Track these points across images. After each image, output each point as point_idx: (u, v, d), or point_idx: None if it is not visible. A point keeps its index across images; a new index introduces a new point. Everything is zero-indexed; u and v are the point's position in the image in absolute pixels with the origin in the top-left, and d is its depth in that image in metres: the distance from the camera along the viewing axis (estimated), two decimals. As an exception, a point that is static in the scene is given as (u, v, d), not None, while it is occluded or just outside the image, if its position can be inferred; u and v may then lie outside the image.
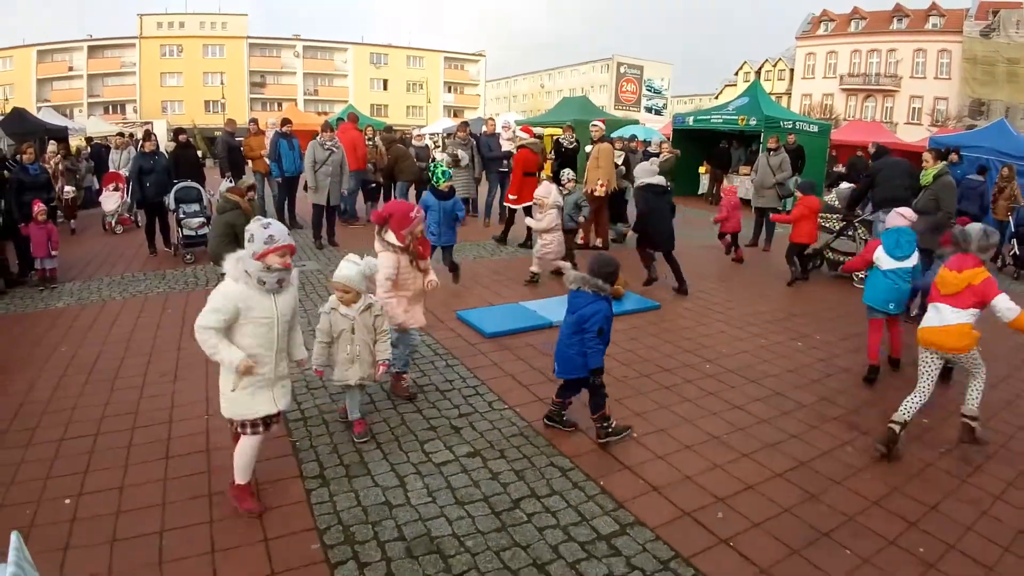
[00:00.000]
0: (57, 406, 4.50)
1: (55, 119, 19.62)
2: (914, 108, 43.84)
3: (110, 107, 56.06)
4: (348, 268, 3.87)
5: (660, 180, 7.53)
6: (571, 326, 3.91)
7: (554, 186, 8.02)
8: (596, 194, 9.38)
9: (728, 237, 9.89)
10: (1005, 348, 6.17)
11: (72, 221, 11.80)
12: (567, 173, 8.58)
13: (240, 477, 3.26)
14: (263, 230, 3.07)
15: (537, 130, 24.26)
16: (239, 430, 3.24)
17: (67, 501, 3.35)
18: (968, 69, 40.16)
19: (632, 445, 4.01)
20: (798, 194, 8.77)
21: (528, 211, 8.76)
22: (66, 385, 4.86)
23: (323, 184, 9.61)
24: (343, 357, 3.88)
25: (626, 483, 3.56)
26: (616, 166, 10.57)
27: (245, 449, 3.24)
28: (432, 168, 7.29)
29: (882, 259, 5.27)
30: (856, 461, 3.91)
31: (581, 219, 8.38)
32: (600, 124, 10.86)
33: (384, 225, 4.39)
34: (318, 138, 9.79)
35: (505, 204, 10.91)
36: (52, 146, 12.53)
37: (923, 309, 6.60)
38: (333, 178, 9.70)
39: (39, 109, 19.59)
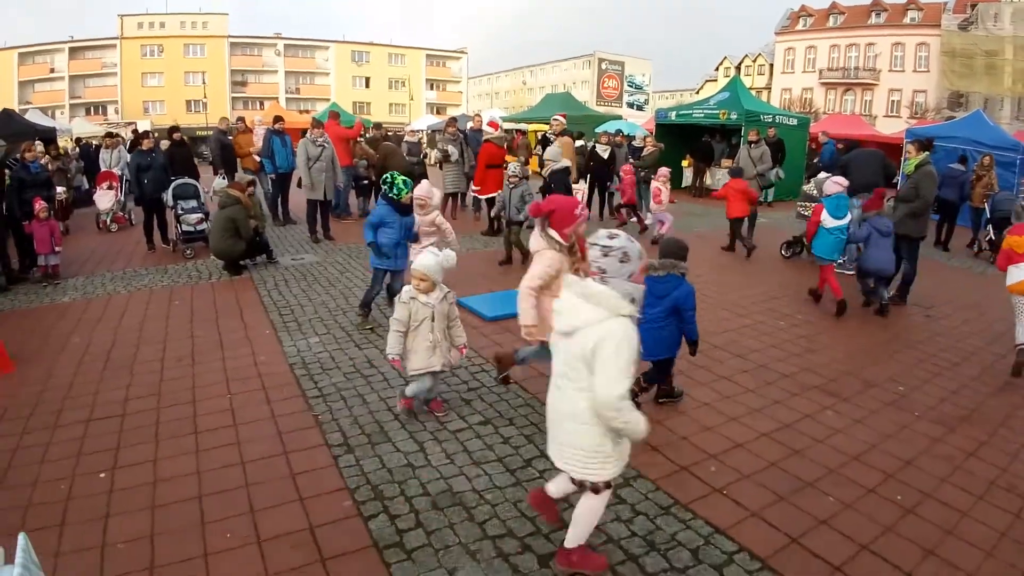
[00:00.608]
0: (79, 391, 4.71)
1: (43, 120, 19.63)
2: (893, 101, 44.60)
3: (92, 108, 55.59)
4: (428, 258, 3.96)
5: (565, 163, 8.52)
6: (664, 311, 4.13)
7: (436, 189, 6.76)
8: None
9: (624, 211, 11.85)
10: (982, 325, 6.64)
11: (65, 222, 11.54)
12: (512, 167, 8.58)
13: (580, 540, 2.76)
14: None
15: (522, 126, 24.67)
16: (597, 488, 2.65)
17: (102, 475, 3.58)
18: (947, 62, 40.88)
19: (630, 413, 4.32)
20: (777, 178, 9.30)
21: (491, 202, 10.07)
22: (85, 372, 5.07)
23: (317, 180, 9.83)
24: (424, 345, 3.96)
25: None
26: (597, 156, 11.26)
27: (597, 508, 2.72)
28: (389, 178, 5.91)
29: (827, 220, 6.89)
30: (836, 423, 4.25)
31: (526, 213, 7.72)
32: (560, 118, 11.59)
33: (545, 220, 3.98)
34: (309, 135, 9.99)
35: (473, 194, 11.80)
36: (40, 146, 12.56)
37: (901, 293, 7.14)
38: (327, 174, 9.93)
39: (24, 111, 19.49)
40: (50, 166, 12.14)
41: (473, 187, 10.91)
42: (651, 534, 3.03)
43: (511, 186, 8.43)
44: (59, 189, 11.35)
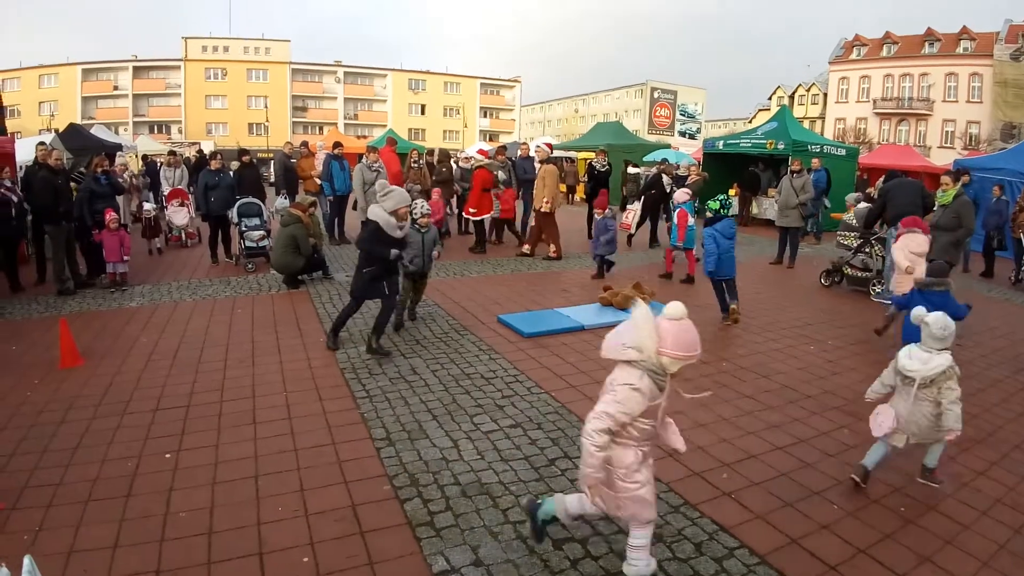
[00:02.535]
0: (147, 383, 5.22)
1: (108, 136, 20.46)
2: (947, 131, 43.83)
3: (155, 127, 58.38)
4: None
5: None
6: None
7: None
8: (543, 210, 10.75)
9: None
10: (1012, 355, 6.67)
11: (156, 240, 11.47)
12: (420, 206, 6.71)
13: None
14: None
15: (571, 153, 25.13)
16: None
17: (167, 455, 4.02)
18: (999, 92, 40.08)
19: (652, 423, 4.59)
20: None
21: (480, 224, 11.18)
22: (152, 368, 5.58)
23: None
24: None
25: (646, 451, 4.15)
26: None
27: None
28: None
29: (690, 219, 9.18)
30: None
31: (436, 254, 6.84)
32: (545, 147, 12.18)
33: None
34: (364, 160, 10.56)
35: (465, 216, 12.57)
36: (122, 159, 13.17)
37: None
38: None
39: (89, 126, 20.39)
40: (133, 180, 12.84)
41: (470, 209, 11.55)
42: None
43: (423, 230, 6.70)
44: (148, 206, 11.73)
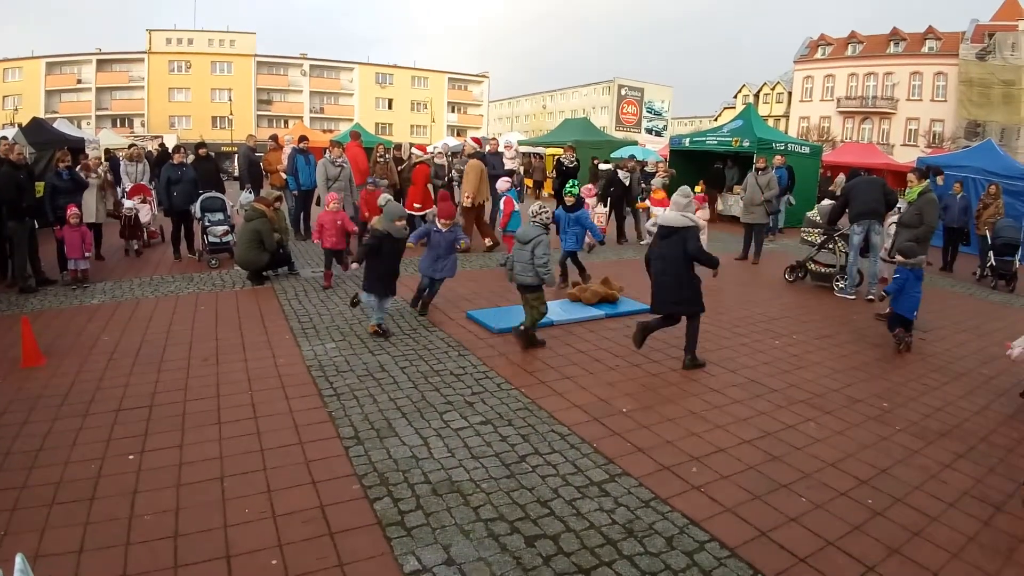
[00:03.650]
0: (109, 383, 5.08)
1: (71, 130, 20.01)
2: (910, 130, 44.80)
3: (118, 120, 56.97)
4: None
5: None
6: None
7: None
8: (464, 205, 10.93)
9: None
10: (976, 348, 6.89)
11: (136, 242, 10.74)
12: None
13: None
14: None
15: (539, 149, 25.15)
16: None
17: (131, 457, 3.91)
18: (964, 91, 41.05)
19: (621, 418, 4.61)
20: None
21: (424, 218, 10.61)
22: (114, 367, 5.43)
23: None
24: None
25: (615, 446, 4.17)
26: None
27: None
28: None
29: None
30: (816, 434, 4.50)
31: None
32: (472, 143, 12.22)
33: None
34: (328, 155, 10.38)
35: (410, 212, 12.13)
36: (96, 152, 12.37)
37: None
38: (345, 192, 10.31)
39: (52, 120, 19.82)
40: (107, 175, 11.43)
41: (415, 204, 11.41)
42: (630, 523, 3.31)
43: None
44: (128, 204, 10.81)
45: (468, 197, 10.89)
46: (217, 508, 3.36)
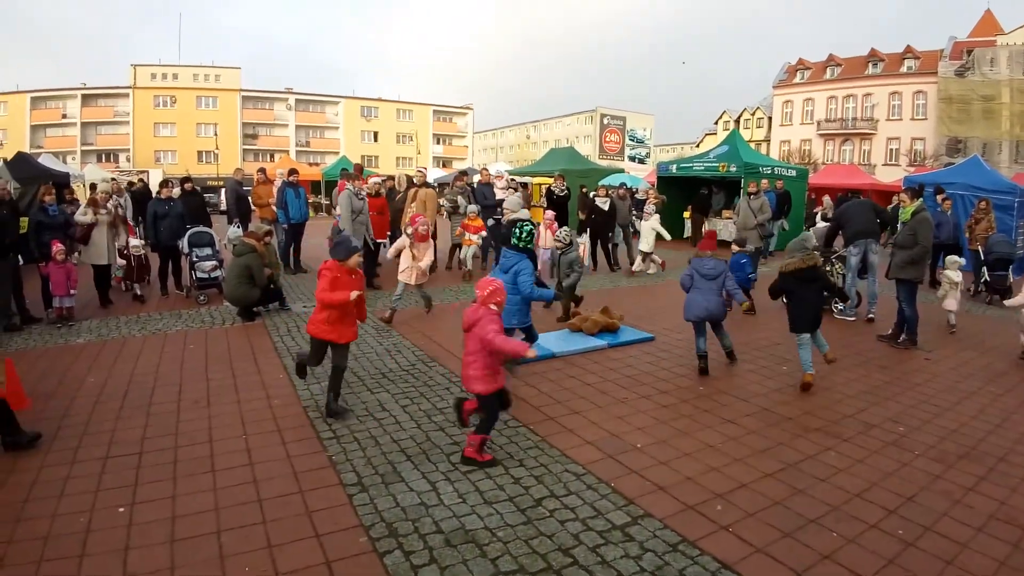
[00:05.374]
0: (96, 428, 4.82)
1: (56, 165, 19.82)
2: (891, 149, 45.34)
3: (103, 155, 56.77)
4: None
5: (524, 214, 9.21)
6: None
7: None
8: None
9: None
10: (982, 365, 6.80)
11: (138, 286, 9.83)
12: (561, 233, 8.66)
13: None
14: None
15: (526, 179, 25.20)
16: None
17: (121, 509, 3.66)
18: (944, 108, 41.61)
19: (636, 454, 4.42)
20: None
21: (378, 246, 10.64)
22: (101, 411, 5.17)
23: (359, 232, 9.75)
24: None
25: (634, 484, 3.97)
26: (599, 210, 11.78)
27: None
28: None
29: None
30: (838, 463, 4.34)
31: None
32: (423, 171, 12.32)
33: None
34: (351, 187, 10.03)
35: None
36: (105, 185, 11.47)
37: (910, 336, 7.26)
38: (366, 226, 10.06)
39: (37, 155, 19.63)
40: (118, 210, 10.35)
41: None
42: (660, 569, 3.11)
43: (560, 252, 8.52)
44: (134, 242, 10.06)
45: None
46: (215, 566, 3.12)
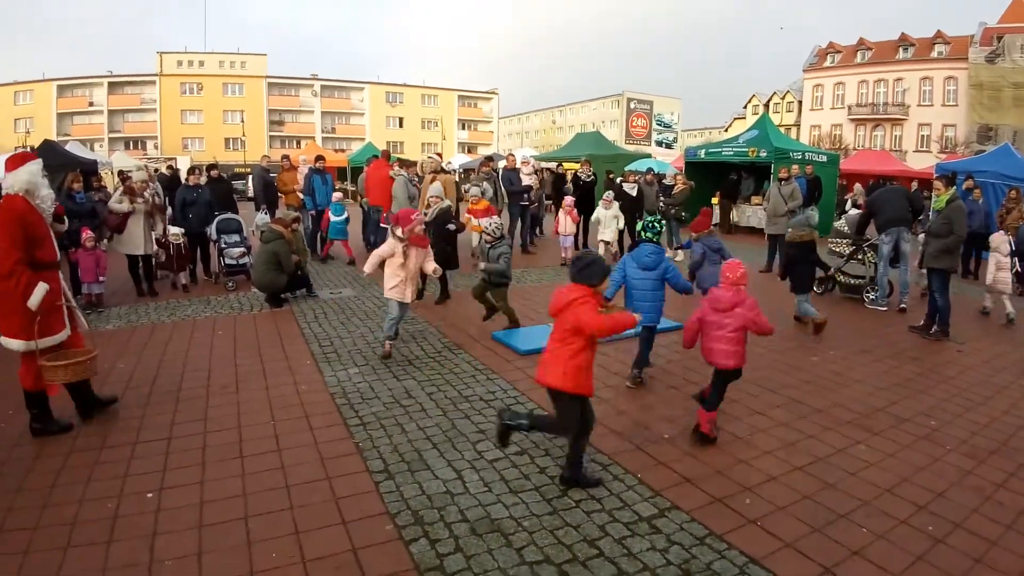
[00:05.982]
0: (125, 414, 4.89)
1: (84, 152, 20.00)
2: (923, 136, 44.40)
3: (131, 143, 57.48)
4: None
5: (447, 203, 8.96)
6: None
7: None
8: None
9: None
10: (1015, 359, 6.64)
11: (183, 275, 9.64)
12: (489, 225, 7.37)
13: None
14: None
15: (553, 164, 25.08)
16: None
17: (149, 495, 3.71)
18: (974, 95, 40.66)
19: (664, 445, 4.39)
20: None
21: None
22: (130, 397, 5.25)
23: None
24: None
25: (661, 476, 3.94)
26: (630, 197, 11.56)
27: None
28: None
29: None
30: (869, 457, 4.26)
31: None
32: (436, 157, 12.02)
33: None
34: (406, 174, 9.99)
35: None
36: (140, 173, 11.31)
37: (941, 327, 7.10)
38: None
39: (64, 142, 19.82)
40: (154, 199, 9.68)
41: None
42: (687, 563, 3.08)
43: (488, 245, 7.37)
44: (174, 230, 9.63)
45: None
46: (243, 552, 3.15)
